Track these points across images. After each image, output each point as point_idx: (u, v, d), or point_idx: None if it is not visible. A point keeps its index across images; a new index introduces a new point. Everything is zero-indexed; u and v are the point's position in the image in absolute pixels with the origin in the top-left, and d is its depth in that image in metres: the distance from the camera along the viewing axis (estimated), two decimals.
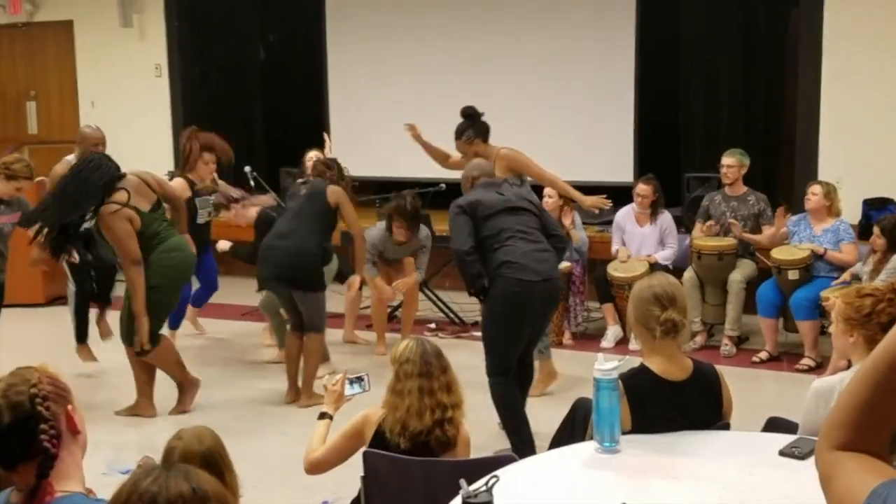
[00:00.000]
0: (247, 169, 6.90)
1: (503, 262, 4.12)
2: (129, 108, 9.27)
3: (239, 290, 7.26)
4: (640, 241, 6.38)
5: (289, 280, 5.10)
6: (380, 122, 8.73)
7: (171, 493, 1.43)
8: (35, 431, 1.76)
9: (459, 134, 5.14)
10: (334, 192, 5.19)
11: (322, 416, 3.17)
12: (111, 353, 5.57)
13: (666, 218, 6.43)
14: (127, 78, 9.32)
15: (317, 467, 3.10)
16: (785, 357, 5.94)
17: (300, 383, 5.21)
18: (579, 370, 5.38)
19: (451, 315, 6.81)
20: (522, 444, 4.06)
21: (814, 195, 5.89)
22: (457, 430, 2.94)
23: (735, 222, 6.08)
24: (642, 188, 6.38)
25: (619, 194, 6.42)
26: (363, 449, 2.93)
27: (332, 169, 5.36)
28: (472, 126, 5.12)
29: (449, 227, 4.36)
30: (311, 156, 6.20)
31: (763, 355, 5.90)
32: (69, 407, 1.83)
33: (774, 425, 3.04)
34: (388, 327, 6.41)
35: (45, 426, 1.76)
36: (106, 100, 9.49)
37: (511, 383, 4.23)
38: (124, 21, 9.13)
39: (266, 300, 5.79)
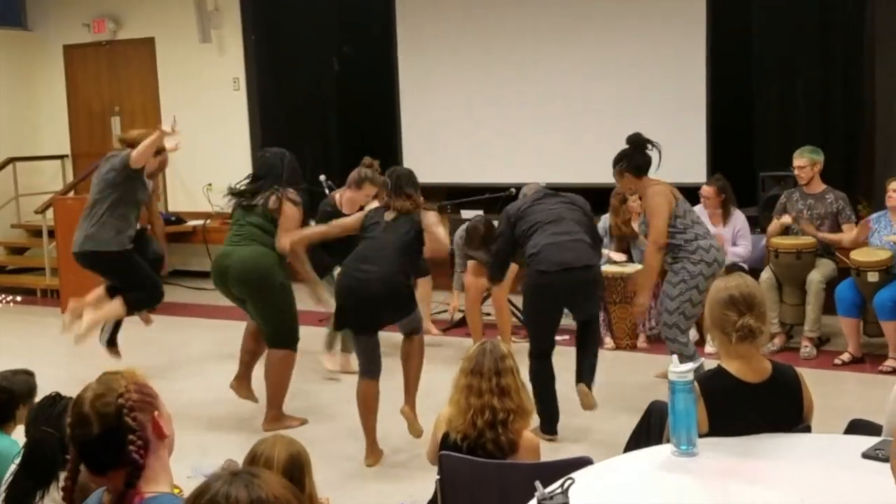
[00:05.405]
0: (322, 178, 7.04)
1: (529, 255, 4.51)
2: (208, 120, 9.53)
3: None
4: None
5: (381, 316, 4.39)
6: (451, 129, 8.81)
7: (230, 501, 1.46)
8: (123, 442, 1.79)
9: (615, 163, 4.97)
10: (427, 216, 4.45)
11: None
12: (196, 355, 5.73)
13: (739, 218, 6.34)
14: (206, 92, 9.59)
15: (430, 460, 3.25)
16: (868, 358, 5.79)
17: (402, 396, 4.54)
18: (654, 372, 5.35)
19: (523, 319, 6.82)
20: (547, 417, 4.61)
21: (894, 192, 5.73)
22: (516, 436, 2.95)
23: (805, 217, 5.95)
24: (705, 189, 6.33)
25: (692, 195, 6.34)
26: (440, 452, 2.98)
27: (410, 197, 4.49)
28: (625, 157, 4.92)
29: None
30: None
31: (846, 357, 5.76)
32: (155, 413, 1.86)
33: (857, 427, 2.97)
34: (463, 332, 6.45)
35: (133, 437, 1.80)
36: (186, 113, 9.75)
37: (547, 365, 4.65)
38: (203, 37, 9.41)
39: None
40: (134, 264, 5.59)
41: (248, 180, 5.03)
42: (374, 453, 4.48)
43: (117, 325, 5.91)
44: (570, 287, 4.48)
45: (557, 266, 4.42)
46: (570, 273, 4.43)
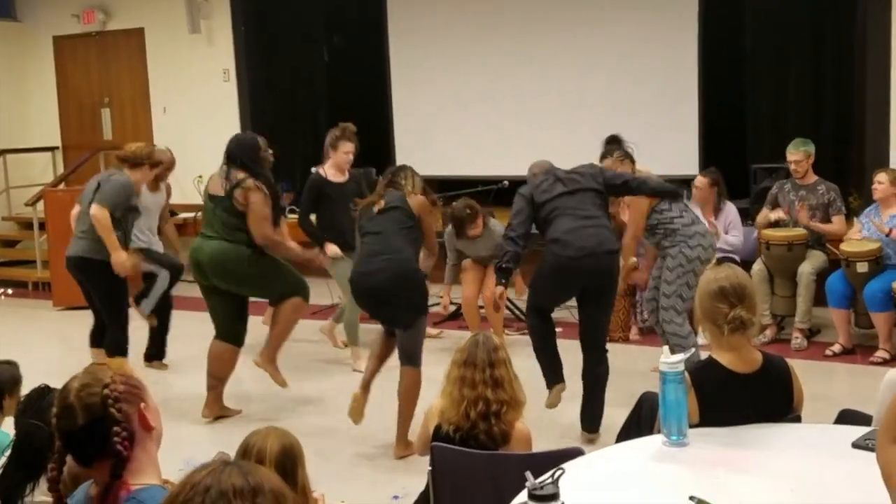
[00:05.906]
0: (314, 170, 7.01)
1: (550, 240, 4.45)
2: (198, 112, 9.50)
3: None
4: None
5: (390, 308, 4.41)
6: (442, 121, 8.79)
7: (224, 485, 1.42)
8: (108, 433, 1.78)
9: (612, 151, 5.25)
10: (415, 200, 4.50)
11: None
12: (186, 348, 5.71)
13: (731, 210, 6.33)
14: (196, 83, 9.56)
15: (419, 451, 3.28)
16: (859, 349, 5.82)
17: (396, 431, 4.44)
18: (646, 364, 5.36)
19: (518, 312, 6.82)
20: (550, 368, 4.56)
21: (879, 184, 5.76)
22: (509, 427, 2.96)
23: (802, 207, 5.97)
24: (698, 181, 6.33)
25: (685, 187, 6.34)
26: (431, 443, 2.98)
27: (399, 182, 4.58)
28: (619, 143, 5.28)
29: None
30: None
31: (836, 348, 5.79)
32: (142, 405, 1.85)
33: (847, 418, 2.98)
34: (456, 325, 6.45)
35: (118, 428, 1.78)
36: (176, 105, 9.74)
37: (546, 319, 4.61)
38: (193, 27, 9.37)
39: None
40: (122, 288, 5.46)
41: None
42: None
43: (153, 341, 6.04)
44: (589, 271, 4.36)
45: (579, 251, 4.33)
46: (592, 258, 4.35)
